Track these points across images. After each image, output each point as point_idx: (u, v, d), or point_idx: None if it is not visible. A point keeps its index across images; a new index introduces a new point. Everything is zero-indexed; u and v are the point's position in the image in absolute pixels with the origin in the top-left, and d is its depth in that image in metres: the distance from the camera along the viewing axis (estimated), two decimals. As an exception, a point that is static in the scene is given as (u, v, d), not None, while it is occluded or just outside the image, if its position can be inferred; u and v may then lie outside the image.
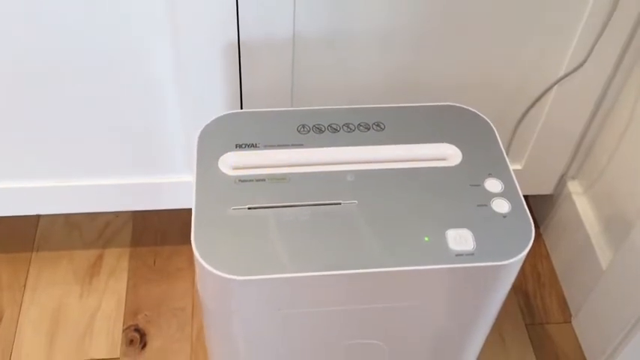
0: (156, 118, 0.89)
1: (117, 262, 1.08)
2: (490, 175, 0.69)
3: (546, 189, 1.06)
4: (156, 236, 1.12)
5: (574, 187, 1.05)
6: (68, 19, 0.77)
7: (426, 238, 0.64)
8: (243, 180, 0.67)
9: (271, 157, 0.70)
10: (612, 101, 0.94)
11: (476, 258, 0.63)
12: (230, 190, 0.66)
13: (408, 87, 0.88)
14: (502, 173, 0.69)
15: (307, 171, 0.68)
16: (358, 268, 0.62)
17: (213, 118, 0.73)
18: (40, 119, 0.87)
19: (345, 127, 0.73)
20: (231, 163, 0.69)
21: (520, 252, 0.63)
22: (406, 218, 0.65)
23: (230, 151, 0.70)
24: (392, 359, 0.76)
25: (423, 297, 0.67)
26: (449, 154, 0.71)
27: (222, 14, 0.77)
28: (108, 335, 1.00)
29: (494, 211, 0.66)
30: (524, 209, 0.67)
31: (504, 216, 0.66)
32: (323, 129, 0.72)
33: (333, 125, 0.73)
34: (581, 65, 0.86)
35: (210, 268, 0.61)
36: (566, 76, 0.88)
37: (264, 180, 0.67)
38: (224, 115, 0.73)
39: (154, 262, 1.09)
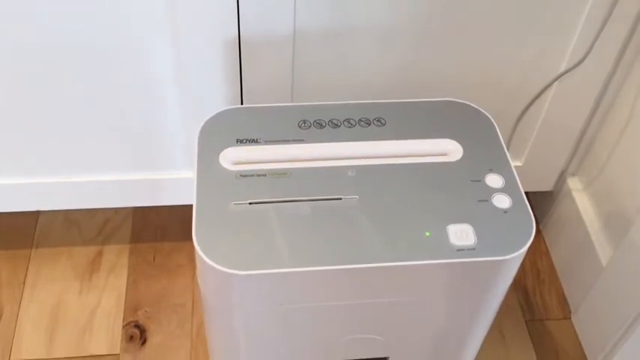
0: (156, 115, 0.88)
1: (117, 259, 1.08)
2: (491, 170, 0.69)
3: (546, 186, 1.07)
4: (156, 232, 1.12)
5: (574, 183, 1.05)
6: (68, 19, 0.77)
7: (427, 233, 0.64)
8: (244, 175, 0.67)
9: (272, 152, 0.70)
10: (612, 98, 0.94)
11: (477, 253, 0.63)
12: (231, 185, 0.66)
13: (408, 84, 0.88)
14: (503, 169, 0.69)
15: (308, 166, 0.68)
16: (359, 263, 0.62)
17: (214, 113, 0.73)
18: (40, 116, 0.87)
19: (346, 123, 0.73)
20: (232, 158, 0.69)
21: (521, 247, 0.64)
22: (407, 213, 0.65)
23: (231, 146, 0.70)
24: (392, 354, 0.76)
25: (425, 292, 0.67)
26: (450, 150, 0.71)
27: (223, 12, 0.77)
28: (108, 331, 1.00)
29: (495, 207, 0.66)
30: (525, 204, 0.67)
31: (505, 211, 0.66)
32: (324, 124, 0.72)
33: (333, 120, 0.73)
34: (581, 62, 0.86)
35: (211, 263, 0.61)
36: (566, 72, 0.88)
37: (265, 175, 0.67)
38: (225, 111, 0.73)
39: (154, 258, 1.09)
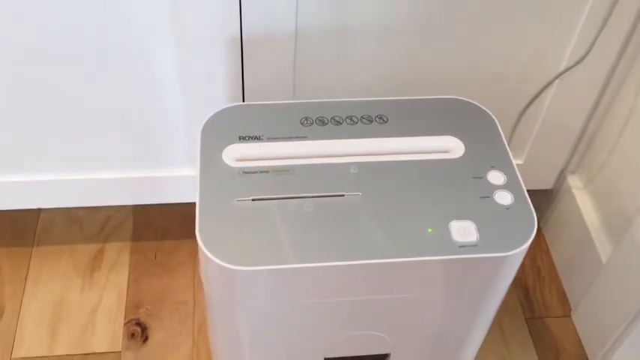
0: (157, 113, 0.89)
1: (118, 256, 1.08)
2: (493, 167, 0.69)
3: (546, 184, 1.07)
4: (157, 230, 1.12)
5: (574, 181, 1.05)
6: (68, 19, 0.77)
7: (430, 230, 0.64)
8: (246, 172, 0.68)
9: (275, 149, 0.70)
10: (612, 96, 0.94)
11: (479, 249, 0.63)
12: (234, 182, 0.67)
13: (409, 83, 0.88)
14: (505, 165, 0.70)
15: (311, 163, 0.69)
16: (362, 259, 0.62)
17: (217, 110, 0.73)
18: (41, 115, 0.87)
19: (348, 120, 0.73)
20: (235, 155, 0.69)
21: (523, 243, 0.64)
22: (409, 210, 0.66)
23: (234, 143, 0.70)
24: (394, 351, 0.77)
25: (427, 288, 0.67)
26: (452, 147, 0.71)
27: (225, 11, 0.77)
28: (109, 329, 1.00)
29: (497, 203, 0.66)
30: (527, 201, 0.67)
31: (507, 208, 0.66)
32: (326, 121, 0.73)
33: (336, 118, 0.73)
34: (581, 60, 0.86)
35: (215, 259, 0.61)
36: (567, 70, 0.88)
37: (267, 172, 0.68)
38: (227, 108, 0.74)
39: (155, 256, 1.09)
